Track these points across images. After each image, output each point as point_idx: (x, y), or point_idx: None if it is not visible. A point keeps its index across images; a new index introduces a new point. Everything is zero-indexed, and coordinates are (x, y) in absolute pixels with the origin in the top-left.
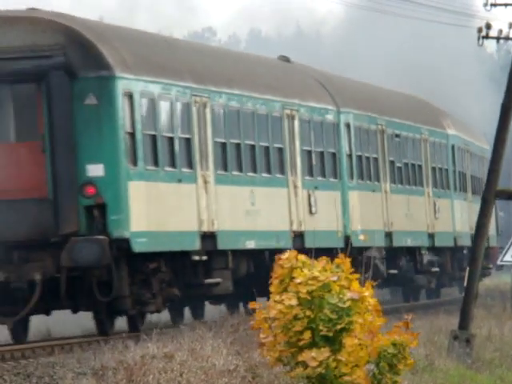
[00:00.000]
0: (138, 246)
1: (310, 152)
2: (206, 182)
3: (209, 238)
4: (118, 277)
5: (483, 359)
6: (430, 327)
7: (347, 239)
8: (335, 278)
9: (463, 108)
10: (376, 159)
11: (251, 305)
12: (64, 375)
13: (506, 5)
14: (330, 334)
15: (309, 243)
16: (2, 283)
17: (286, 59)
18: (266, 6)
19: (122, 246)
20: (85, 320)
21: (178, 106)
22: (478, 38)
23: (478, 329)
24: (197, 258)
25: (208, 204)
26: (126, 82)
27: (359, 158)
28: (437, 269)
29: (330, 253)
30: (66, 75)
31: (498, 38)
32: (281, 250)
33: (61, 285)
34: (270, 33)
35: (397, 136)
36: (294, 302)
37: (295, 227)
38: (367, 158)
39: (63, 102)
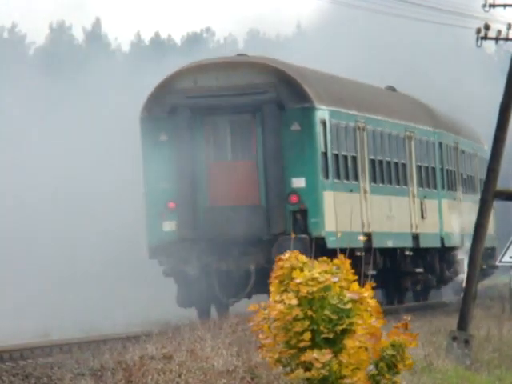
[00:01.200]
0: (330, 243)
1: (420, 167)
2: (365, 191)
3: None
4: None
5: (482, 360)
6: (428, 328)
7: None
8: (335, 279)
9: (462, 108)
10: (454, 172)
11: (250, 307)
12: (62, 376)
13: (504, 5)
14: (331, 336)
15: (422, 243)
16: (224, 272)
17: (392, 89)
18: (264, 6)
19: (318, 243)
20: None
21: (348, 130)
22: (477, 39)
23: (477, 329)
24: (358, 253)
25: (366, 210)
26: (321, 112)
27: (447, 171)
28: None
29: (431, 251)
30: (277, 107)
31: (496, 39)
32: (404, 249)
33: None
34: (269, 33)
35: (463, 152)
36: (294, 301)
37: (413, 230)
38: (450, 171)
39: (273, 128)
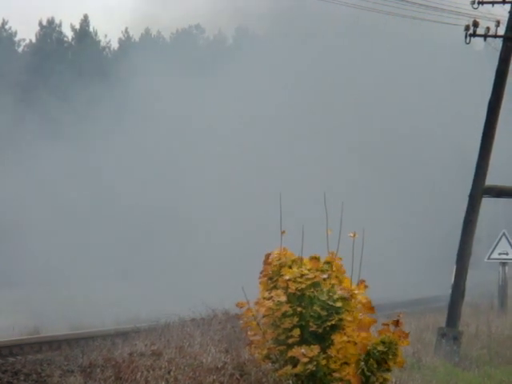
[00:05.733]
0: None
1: None
2: None
3: None
4: None
5: (471, 356)
6: (417, 324)
7: None
8: (325, 276)
9: (453, 107)
10: None
11: (238, 304)
12: (52, 372)
13: (492, 3)
14: (320, 331)
15: None
16: None
17: None
18: (253, 3)
19: None
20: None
21: None
22: (466, 36)
23: (466, 326)
24: None
25: None
26: None
27: None
28: None
29: None
30: None
31: (485, 36)
32: None
33: None
34: (258, 30)
35: None
36: (283, 298)
37: None
38: None
39: None
